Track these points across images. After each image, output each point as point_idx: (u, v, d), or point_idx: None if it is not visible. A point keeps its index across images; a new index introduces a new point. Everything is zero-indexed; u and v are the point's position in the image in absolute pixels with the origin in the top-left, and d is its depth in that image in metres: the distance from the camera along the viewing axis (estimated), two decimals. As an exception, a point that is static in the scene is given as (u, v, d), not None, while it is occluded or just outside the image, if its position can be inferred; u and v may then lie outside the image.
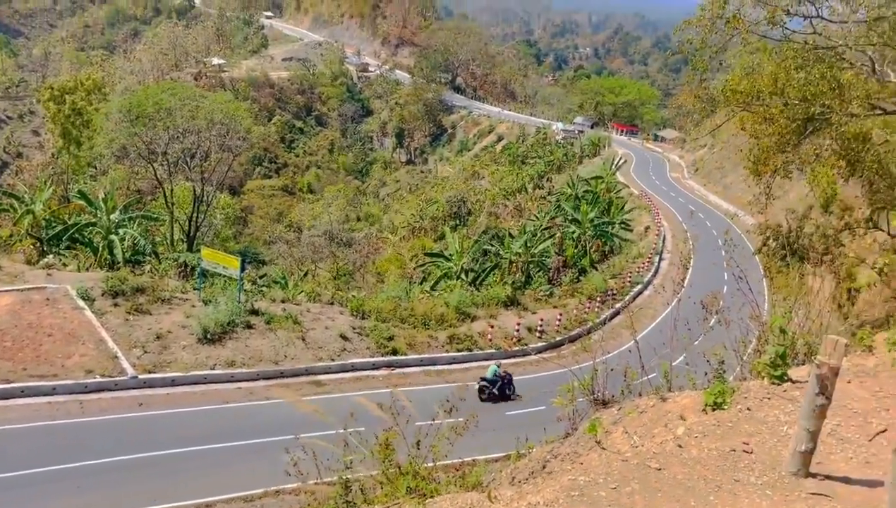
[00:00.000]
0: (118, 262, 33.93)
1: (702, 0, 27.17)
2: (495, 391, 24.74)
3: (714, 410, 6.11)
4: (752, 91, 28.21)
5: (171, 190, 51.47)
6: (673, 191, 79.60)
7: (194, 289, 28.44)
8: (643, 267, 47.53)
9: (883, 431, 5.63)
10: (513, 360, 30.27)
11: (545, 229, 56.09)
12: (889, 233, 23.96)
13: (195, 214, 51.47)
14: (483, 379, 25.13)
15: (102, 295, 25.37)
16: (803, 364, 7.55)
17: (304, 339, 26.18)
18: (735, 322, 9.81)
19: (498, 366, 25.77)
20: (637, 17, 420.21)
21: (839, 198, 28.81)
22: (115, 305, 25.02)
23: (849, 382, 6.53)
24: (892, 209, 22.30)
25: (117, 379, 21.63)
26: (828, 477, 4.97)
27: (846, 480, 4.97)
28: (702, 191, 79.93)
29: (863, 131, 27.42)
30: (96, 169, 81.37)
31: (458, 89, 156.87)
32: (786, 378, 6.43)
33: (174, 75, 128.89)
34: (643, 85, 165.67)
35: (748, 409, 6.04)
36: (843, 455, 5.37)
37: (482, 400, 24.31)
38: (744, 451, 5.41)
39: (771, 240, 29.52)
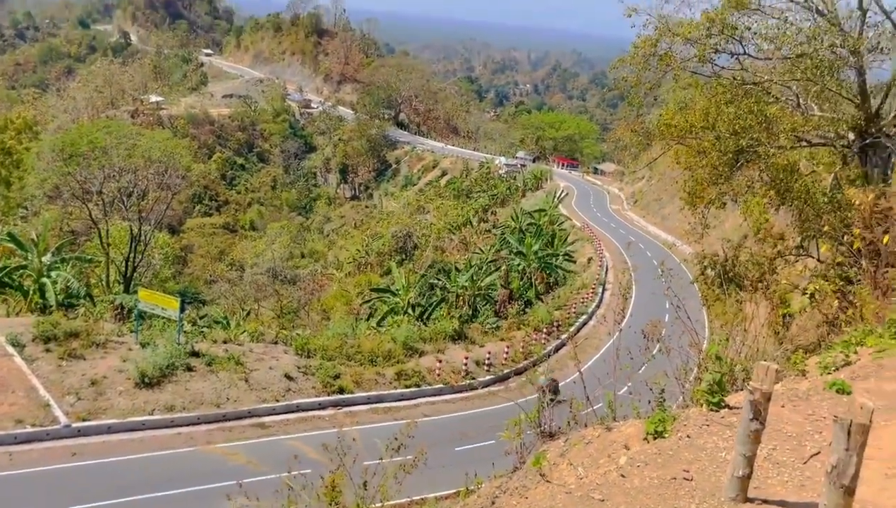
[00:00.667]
0: (50, 306, 32.69)
1: (635, 38, 28.19)
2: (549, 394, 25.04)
3: (655, 439, 6.19)
4: (685, 125, 29.21)
5: (107, 230, 50.09)
6: (613, 223, 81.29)
7: (131, 332, 27.59)
8: (587, 298, 48.20)
9: (816, 454, 5.77)
10: (461, 395, 30.16)
11: (491, 262, 56.53)
12: (818, 260, 24.88)
13: (132, 255, 50.16)
14: (541, 388, 25.45)
15: (33, 340, 24.39)
16: (742, 389, 7.73)
17: (247, 380, 25.59)
18: (676, 350, 10.01)
19: (545, 374, 28.34)
20: (574, 54, 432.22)
21: (771, 227, 29.88)
22: (47, 351, 24.06)
23: (783, 406, 6.70)
24: (820, 237, 23.20)
25: (49, 428, 20.71)
26: (765, 502, 5.06)
27: (782, 504, 5.07)
28: (641, 222, 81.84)
29: (791, 163, 28.60)
30: (27, 210, 78.58)
31: (401, 125, 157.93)
32: (723, 404, 6.56)
33: (110, 113, 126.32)
34: (582, 120, 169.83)
35: (688, 437, 6.13)
36: (780, 479, 5.49)
37: (552, 401, 24.62)
38: (684, 479, 5.48)
39: (708, 269, 30.38)
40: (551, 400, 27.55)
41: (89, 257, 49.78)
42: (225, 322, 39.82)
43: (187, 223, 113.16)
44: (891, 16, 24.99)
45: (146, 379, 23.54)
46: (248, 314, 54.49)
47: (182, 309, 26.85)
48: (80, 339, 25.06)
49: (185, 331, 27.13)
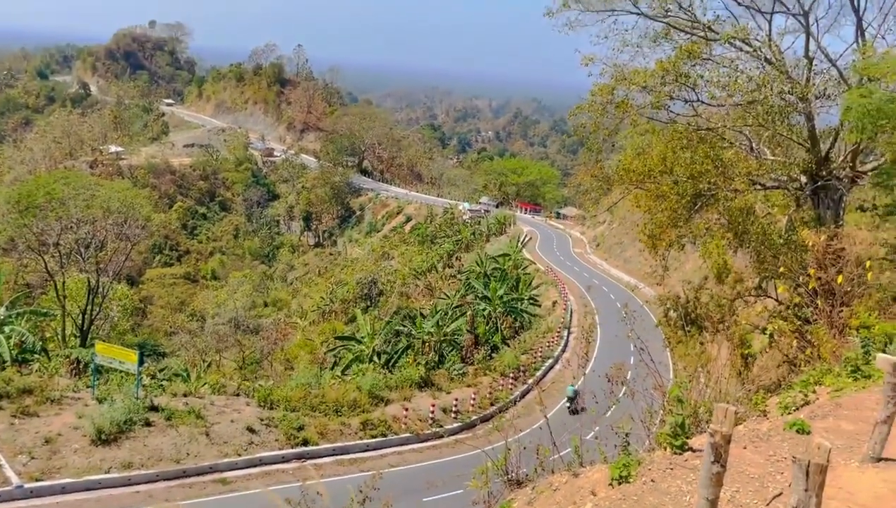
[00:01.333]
0: (4, 362, 31.64)
1: (592, 87, 28.92)
2: (578, 404, 32.23)
3: (621, 483, 6.16)
4: (643, 170, 29.86)
5: (63, 282, 48.97)
6: (577, 266, 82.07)
7: (88, 387, 26.77)
8: (553, 342, 48.30)
9: (778, 495, 5.79)
10: (428, 444, 29.75)
11: (456, 307, 56.41)
12: (777, 300, 25.36)
13: (89, 307, 48.98)
14: (568, 398, 34.12)
15: (-16, 398, 23.52)
16: (705, 431, 7.75)
17: (207, 434, 24.92)
18: (641, 392, 10.04)
19: (573, 386, 33.93)
20: (534, 102, 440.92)
21: (730, 269, 30.47)
22: (-1, 409, 23.22)
23: (745, 448, 6.73)
24: (777, 277, 23.70)
25: (0, 490, 19.86)
26: (731, 546, 5.05)
27: (748, 547, 5.06)
28: (604, 266, 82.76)
29: (747, 205, 29.34)
30: (-20, 263, 76.78)
31: (365, 172, 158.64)
32: (687, 447, 6.57)
33: (68, 164, 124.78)
34: (544, 165, 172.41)
35: (652, 481, 6.11)
36: (744, 522, 5.48)
37: (571, 413, 32.28)
38: (650, 525, 5.44)
39: (671, 311, 30.83)
40: (574, 409, 30.80)
41: (45, 311, 48.48)
42: (185, 374, 38.90)
43: (147, 274, 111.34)
44: (836, 63, 26.08)
45: (103, 436, 22.78)
46: (210, 366, 53.38)
47: (141, 363, 26.19)
48: (34, 396, 24.25)
49: (143, 385, 26.43)
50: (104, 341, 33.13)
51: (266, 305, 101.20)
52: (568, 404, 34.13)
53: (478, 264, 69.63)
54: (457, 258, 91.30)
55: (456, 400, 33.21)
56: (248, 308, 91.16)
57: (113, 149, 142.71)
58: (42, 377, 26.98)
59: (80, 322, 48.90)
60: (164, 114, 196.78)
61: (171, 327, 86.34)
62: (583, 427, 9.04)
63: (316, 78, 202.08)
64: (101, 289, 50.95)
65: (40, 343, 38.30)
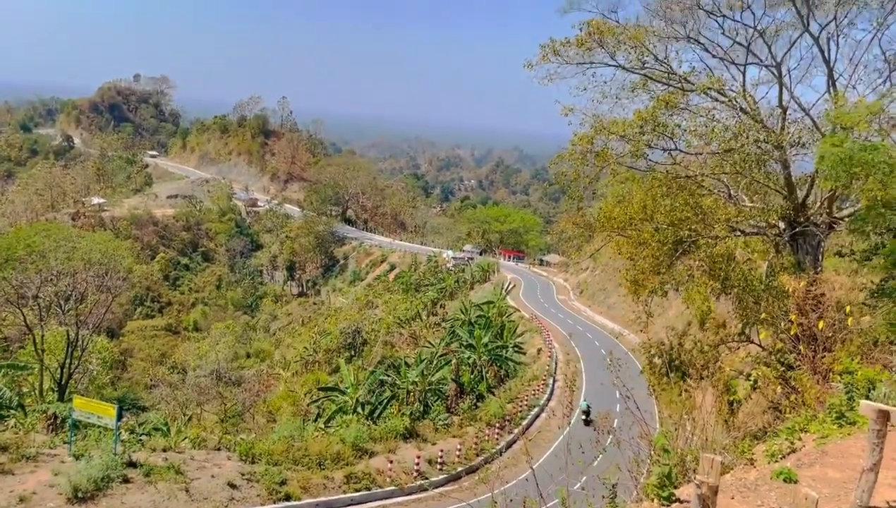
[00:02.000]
0: (-22, 418, 30.93)
1: (572, 136, 29.40)
2: (591, 416, 37.20)
3: (609, 538, 6.06)
4: (624, 217, 30.19)
5: (42, 336, 48.21)
6: (561, 313, 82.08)
7: (65, 443, 26.13)
8: (538, 390, 47.99)
9: (768, 546, 5.72)
10: (413, 497, 29.21)
11: (441, 356, 55.98)
12: (760, 346, 25.45)
13: (68, 361, 48.15)
14: (584, 412, 39.17)
15: (-44, 457, 22.87)
16: (692, 480, 7.68)
17: (187, 491, 24.31)
18: (627, 441, 9.96)
19: (586, 401, 40.72)
20: (516, 151, 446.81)
21: (713, 315, 30.61)
22: (-28, 467, 22.56)
23: (732, 498, 6.67)
24: (759, 323, 23.84)
25: (-31, 553, 19.20)
26: None
27: None
28: (588, 312, 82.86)
29: (727, 251, 29.66)
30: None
31: (349, 221, 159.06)
32: (674, 498, 6.50)
33: (50, 216, 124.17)
34: (526, 213, 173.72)
35: (641, 534, 6.03)
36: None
37: (586, 424, 37.35)
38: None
39: (655, 358, 30.82)
40: (588, 421, 35.55)
41: (22, 364, 47.58)
42: (165, 428, 38.09)
43: (128, 326, 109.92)
44: (809, 112, 26.75)
45: (79, 494, 22.15)
46: (190, 419, 52.42)
47: (119, 417, 25.65)
48: (8, 453, 23.61)
49: (122, 440, 25.84)
50: (83, 395, 32.49)
51: (248, 356, 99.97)
52: (583, 416, 39.26)
53: (462, 312, 69.45)
54: (441, 306, 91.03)
55: (441, 451, 32.75)
56: (230, 359, 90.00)
57: (95, 200, 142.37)
58: (18, 433, 26.33)
59: (58, 376, 48.02)
60: (147, 166, 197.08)
61: (151, 380, 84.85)
62: (570, 477, 8.93)
63: (300, 129, 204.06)
64: (80, 342, 50.18)
65: (17, 398, 37.47)
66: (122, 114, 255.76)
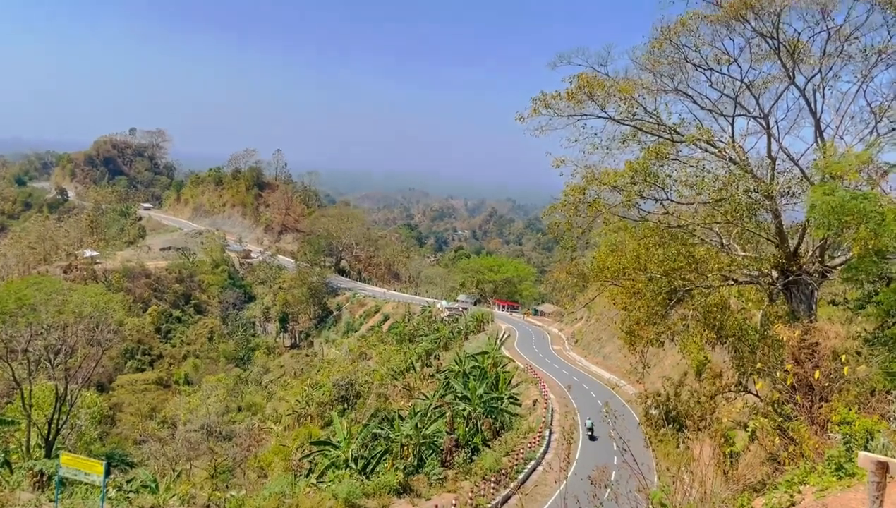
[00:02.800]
0: (-39, 477, 30.21)
1: (564, 187, 29.65)
2: (595, 434, 44.19)
3: None
4: (617, 267, 30.27)
5: (30, 391, 47.46)
6: (556, 363, 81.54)
7: (51, 501, 25.51)
8: (534, 443, 47.29)
9: None
10: (407, 554, 28.46)
11: (435, 408, 55.30)
12: (757, 396, 25.24)
13: (56, 416, 47.29)
14: (589, 429, 45.98)
15: (-63, 517, 22.27)
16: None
17: (175, 550, 23.68)
18: (624, 496, 9.76)
19: (590, 419, 47.07)
20: (509, 201, 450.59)
21: (709, 365, 30.47)
22: (-47, 528, 21.95)
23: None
24: (754, 373, 23.69)
25: None
26: None
27: None
28: (583, 363, 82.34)
29: (722, 300, 29.67)
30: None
31: (342, 272, 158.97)
32: (674, 557, 6.32)
33: (42, 269, 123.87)
34: (520, 263, 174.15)
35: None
36: None
37: (591, 440, 44.70)
38: None
39: (652, 409, 30.49)
40: (593, 437, 40.07)
41: (9, 420, 46.79)
42: (154, 485, 37.26)
43: (118, 380, 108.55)
44: (798, 162, 27.08)
45: (63, 555, 21.53)
46: (180, 475, 51.31)
47: (107, 474, 25.10)
48: (-9, 513, 23.05)
49: (109, 498, 25.25)
50: (70, 451, 31.86)
51: (240, 410, 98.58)
52: (588, 432, 45.87)
53: (456, 363, 68.88)
54: (435, 357, 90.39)
55: (436, 506, 32.06)
56: (221, 413, 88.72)
57: (88, 253, 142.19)
58: (3, 491, 25.72)
59: (45, 431, 47.12)
60: (141, 219, 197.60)
61: (140, 435, 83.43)
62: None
63: (294, 181, 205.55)
64: (69, 397, 49.40)
65: (3, 454, 36.71)
66: (117, 168, 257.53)
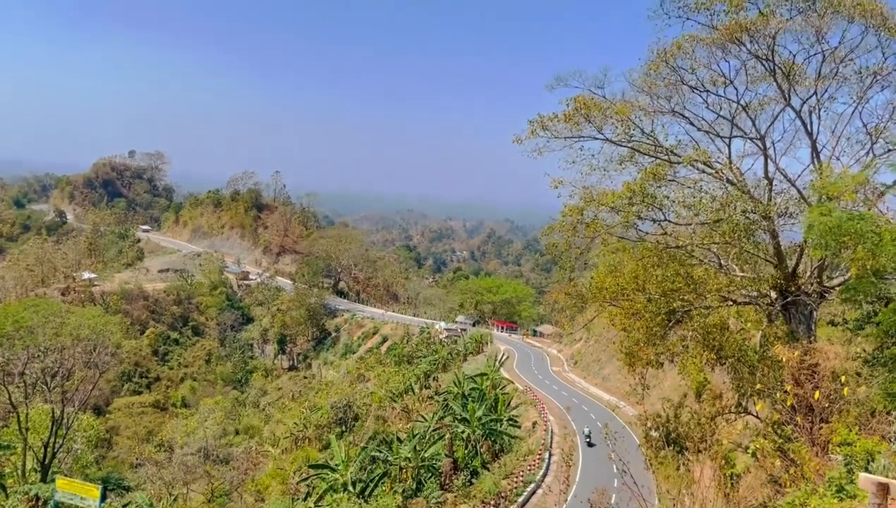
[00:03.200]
0: (-45, 502, 29.93)
1: (562, 207, 29.73)
2: (592, 440, 48.71)
3: None
4: (616, 288, 30.26)
5: (27, 414, 47.17)
6: (556, 385, 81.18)
7: (45, 527, 25.27)
8: (534, 465, 46.95)
9: None
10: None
11: (434, 430, 54.97)
12: (757, 417, 25.13)
13: (52, 439, 46.98)
14: (587, 436, 50.00)
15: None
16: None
17: (171, 576, 23.40)
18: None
19: (588, 428, 50.67)
20: (507, 222, 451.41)
21: (709, 386, 30.33)
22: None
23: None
24: (754, 394, 23.59)
25: None
26: None
27: None
28: (582, 384, 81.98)
29: (721, 321, 29.63)
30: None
31: (341, 293, 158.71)
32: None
33: (40, 292, 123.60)
34: (518, 284, 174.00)
35: None
36: None
37: (589, 446, 48.62)
38: None
39: (652, 431, 30.35)
40: (591, 443, 42.70)
41: (5, 444, 46.44)
42: (150, 510, 36.96)
43: (114, 402, 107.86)
44: (795, 183, 27.18)
45: (57, 582, 21.28)
46: (176, 499, 50.95)
47: (103, 498, 24.92)
48: (-16, 539, 22.79)
49: (104, 524, 25.01)
50: (66, 475, 31.61)
51: (237, 433, 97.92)
52: (587, 440, 49.63)
53: (455, 384, 68.54)
54: (434, 378, 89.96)
55: (435, 530, 31.75)
56: (218, 436, 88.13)
57: (86, 275, 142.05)
58: (-4, 517, 25.49)
59: (41, 455, 46.77)
60: (139, 241, 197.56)
61: (137, 458, 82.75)
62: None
63: (293, 202, 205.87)
64: (65, 420, 49.08)
65: (-2, 479, 36.42)
66: (116, 190, 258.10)
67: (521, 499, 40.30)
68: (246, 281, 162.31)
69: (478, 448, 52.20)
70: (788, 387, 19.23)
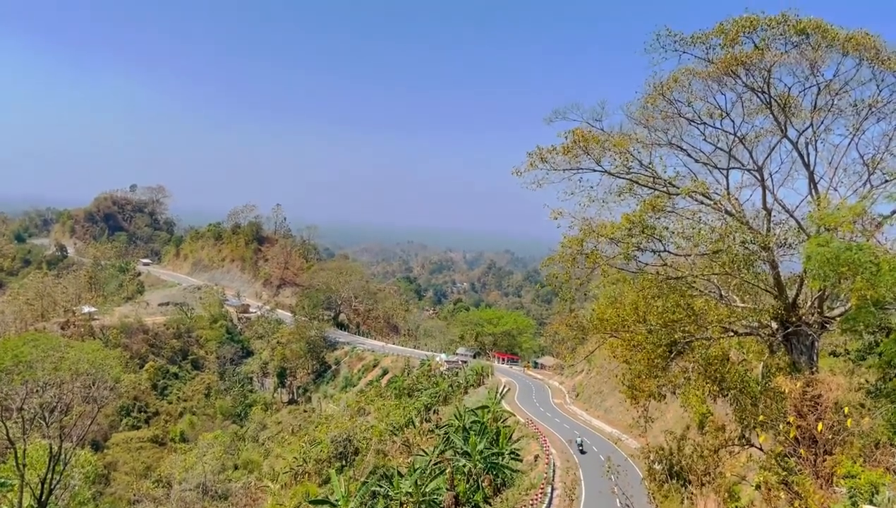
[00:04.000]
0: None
1: (562, 239, 29.79)
2: (584, 448, 53.78)
3: None
4: (617, 319, 30.18)
5: (24, 450, 46.77)
6: (557, 417, 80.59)
7: (40, 566, 24.89)
8: (536, 500, 46.46)
9: None
10: None
11: (435, 464, 54.44)
12: (760, 449, 24.91)
13: (49, 476, 46.54)
14: (579, 444, 55.70)
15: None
16: None
17: None
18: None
19: (580, 437, 54.45)
20: (507, 253, 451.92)
21: (712, 418, 30.10)
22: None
23: None
24: (757, 426, 23.42)
25: None
26: None
27: None
28: (585, 416, 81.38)
29: (722, 352, 29.50)
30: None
31: (341, 325, 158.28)
32: None
33: (39, 326, 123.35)
34: (519, 315, 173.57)
35: None
36: None
37: (582, 453, 54.46)
38: None
39: (655, 464, 30.05)
40: (583, 451, 47.29)
41: (2, 481, 46.02)
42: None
43: (113, 437, 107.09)
44: (793, 214, 27.28)
45: None
46: (175, 536, 50.24)
47: (100, 537, 24.57)
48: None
49: (101, 562, 24.65)
50: (62, 513, 31.20)
51: (236, 468, 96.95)
52: (580, 449, 55.27)
53: (456, 417, 68.01)
54: (435, 411, 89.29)
55: (437, 567, 31.30)
56: (217, 471, 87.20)
57: (86, 309, 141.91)
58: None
59: (38, 492, 46.29)
60: (140, 274, 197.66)
61: (135, 495, 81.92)
62: None
63: (293, 235, 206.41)
64: (63, 456, 48.64)
65: (-7, 517, 35.99)
66: (117, 224, 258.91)
67: (523, 535, 39.80)
68: (246, 314, 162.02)
69: (479, 482, 51.69)
70: (791, 419, 19.10)
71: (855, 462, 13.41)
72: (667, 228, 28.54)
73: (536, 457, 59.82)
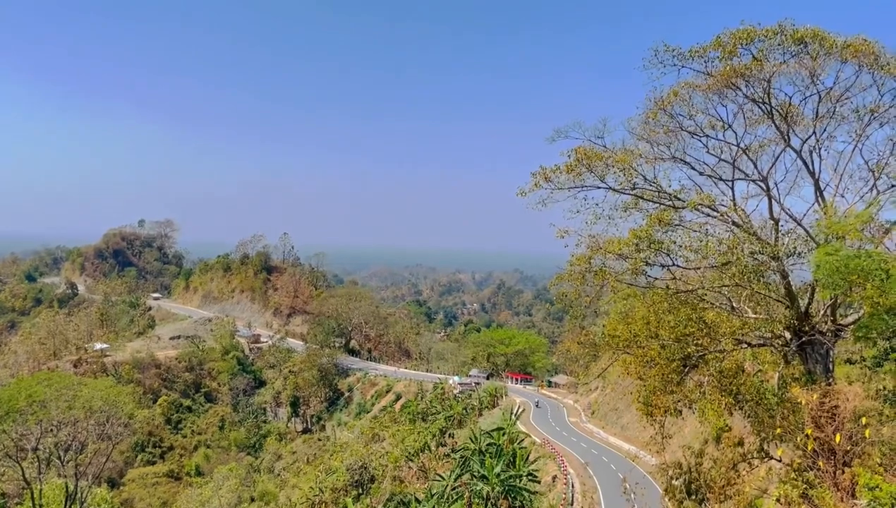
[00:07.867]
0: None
1: (570, 257, 29.72)
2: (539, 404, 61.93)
3: None
4: (628, 335, 30.00)
5: (40, 490, 46.75)
6: (574, 437, 79.85)
7: None
8: (555, 521, 45.92)
9: None
10: None
11: (453, 489, 53.96)
12: (779, 462, 24.60)
13: (66, 515, 46.46)
14: (535, 402, 65.49)
15: None
16: None
17: None
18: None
19: (537, 397, 62.08)
20: (516, 272, 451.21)
21: (729, 432, 29.79)
22: None
23: None
24: (775, 438, 23.14)
25: None
26: None
27: None
28: (601, 434, 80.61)
29: (736, 365, 29.25)
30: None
31: (352, 352, 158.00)
32: None
33: (52, 364, 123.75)
34: (531, 334, 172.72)
35: None
36: None
37: (537, 406, 64.10)
38: None
39: (674, 480, 29.71)
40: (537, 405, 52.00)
41: (18, 522, 45.95)
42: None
43: (129, 474, 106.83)
44: (801, 223, 27.14)
45: None
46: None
47: (117, 576, 24.41)
48: None
49: None
50: (79, 554, 31.05)
51: (253, 500, 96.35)
52: (536, 404, 52.16)
53: (472, 440, 67.43)
54: (450, 435, 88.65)
55: (458, 594, 30.90)
56: (233, 504, 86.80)
57: (98, 346, 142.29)
58: None
59: (55, 532, 46.18)
60: (150, 309, 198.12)
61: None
62: None
63: (302, 263, 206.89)
64: (79, 494, 48.58)
65: (11, 560, 35.86)
66: (127, 259, 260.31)
67: (544, 557, 39.28)
68: (257, 345, 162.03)
69: (497, 505, 51.14)
70: (809, 431, 18.88)
71: (875, 473, 13.21)
72: (674, 242, 28.42)
73: (554, 478, 59.21)
